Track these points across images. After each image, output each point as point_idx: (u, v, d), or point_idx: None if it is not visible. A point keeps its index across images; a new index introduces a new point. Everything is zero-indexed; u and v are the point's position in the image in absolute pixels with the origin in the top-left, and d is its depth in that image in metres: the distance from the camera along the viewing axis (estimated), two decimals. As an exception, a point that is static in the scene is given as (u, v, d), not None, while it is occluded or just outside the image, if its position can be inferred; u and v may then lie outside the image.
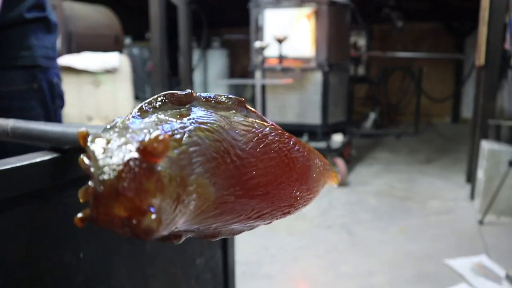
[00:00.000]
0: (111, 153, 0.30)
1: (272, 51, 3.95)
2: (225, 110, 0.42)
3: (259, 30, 4.17)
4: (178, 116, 0.37)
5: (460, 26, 7.31)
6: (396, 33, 6.98)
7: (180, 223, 0.34)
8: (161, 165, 0.30)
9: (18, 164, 0.48)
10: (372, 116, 6.56)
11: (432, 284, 2.19)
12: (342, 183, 3.82)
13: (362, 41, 6.13)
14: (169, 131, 0.34)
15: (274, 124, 0.45)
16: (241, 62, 7.70)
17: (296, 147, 0.44)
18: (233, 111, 0.42)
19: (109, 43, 4.84)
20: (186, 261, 0.83)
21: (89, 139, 0.32)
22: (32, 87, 1.00)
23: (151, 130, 0.32)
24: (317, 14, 3.94)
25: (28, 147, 0.58)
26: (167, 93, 0.39)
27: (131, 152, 0.30)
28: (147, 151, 0.29)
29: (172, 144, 0.33)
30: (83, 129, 0.32)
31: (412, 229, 2.90)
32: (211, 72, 7.57)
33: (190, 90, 0.40)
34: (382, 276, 2.27)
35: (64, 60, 3.89)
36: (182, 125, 0.35)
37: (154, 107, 0.38)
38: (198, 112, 0.38)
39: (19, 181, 0.49)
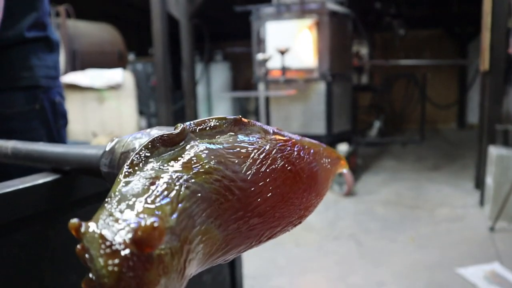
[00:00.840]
0: (105, 247, 0.28)
1: (274, 63, 3.96)
2: (222, 134, 0.39)
3: (261, 42, 4.19)
4: (172, 164, 0.35)
5: (461, 31, 7.32)
6: (398, 41, 6.99)
7: (190, 274, 0.33)
8: (160, 245, 0.29)
9: (20, 187, 0.48)
10: (377, 124, 6.54)
11: (445, 294, 2.15)
12: (349, 193, 3.79)
13: (364, 50, 6.14)
14: (163, 195, 0.32)
15: (277, 131, 0.43)
16: (244, 74, 7.74)
17: (301, 154, 0.43)
18: (231, 133, 0.40)
19: (112, 60, 4.89)
20: (192, 278, 0.81)
21: (82, 230, 0.30)
22: (34, 108, 0.99)
23: (142, 216, 0.30)
24: (318, 25, 3.95)
25: (30, 168, 0.58)
26: (157, 138, 0.36)
27: (126, 245, 0.28)
28: (142, 243, 0.28)
29: (169, 210, 0.31)
30: (74, 221, 0.30)
31: (422, 238, 2.86)
32: (214, 85, 7.61)
33: (181, 125, 0.37)
34: (392, 286, 2.23)
35: (69, 77, 3.93)
36: (177, 175, 0.33)
37: (145, 157, 0.35)
38: (192, 151, 0.36)
39: (21, 203, 0.49)
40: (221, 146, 0.38)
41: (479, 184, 3.57)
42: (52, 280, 0.53)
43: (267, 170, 0.39)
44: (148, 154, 0.36)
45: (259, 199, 0.37)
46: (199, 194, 0.33)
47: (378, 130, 6.51)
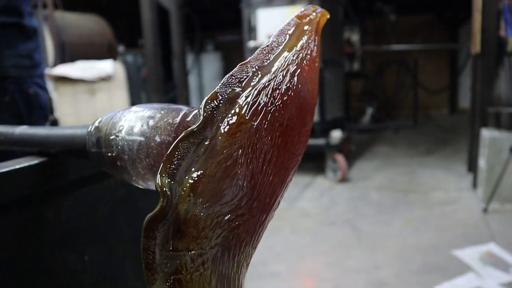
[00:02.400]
0: None
1: (266, 51, 3.93)
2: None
3: (252, 30, 4.16)
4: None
5: (453, 16, 7.33)
6: (390, 26, 6.98)
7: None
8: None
9: (5, 170, 0.47)
10: (370, 111, 6.56)
11: (440, 275, 2.18)
12: (343, 179, 3.81)
13: (355, 37, 6.13)
14: None
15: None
16: (236, 64, 7.65)
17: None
18: None
19: (102, 52, 4.83)
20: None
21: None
22: (3, 100, 0.92)
23: None
24: (309, 11, 3.93)
25: (14, 153, 0.55)
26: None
27: None
28: None
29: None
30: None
31: (416, 221, 2.88)
32: (206, 75, 7.56)
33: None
34: (389, 269, 2.26)
35: (59, 70, 3.87)
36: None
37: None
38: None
39: (12, 186, 0.47)
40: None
41: (472, 167, 3.61)
42: (52, 262, 0.53)
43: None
44: None
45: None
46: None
47: (370, 117, 6.53)
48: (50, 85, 3.77)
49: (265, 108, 0.34)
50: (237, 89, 0.33)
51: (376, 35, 7.39)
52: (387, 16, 6.66)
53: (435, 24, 7.59)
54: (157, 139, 0.37)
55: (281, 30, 0.38)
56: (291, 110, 0.36)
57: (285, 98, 0.35)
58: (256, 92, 0.33)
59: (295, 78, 0.37)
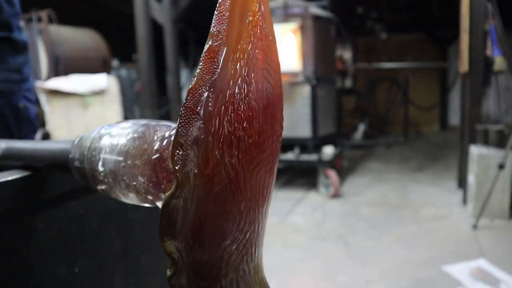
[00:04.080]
0: None
1: (259, 67, 3.98)
2: None
3: (246, 46, 4.21)
4: None
5: (442, 35, 7.48)
6: (381, 45, 7.11)
7: None
8: None
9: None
10: (362, 127, 6.62)
11: (431, 290, 2.18)
12: (336, 195, 3.82)
13: (348, 54, 6.23)
14: None
15: None
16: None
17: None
18: None
19: (96, 66, 4.85)
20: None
21: None
22: None
23: None
24: (302, 28, 4.00)
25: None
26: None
27: None
28: None
29: None
30: None
31: (407, 237, 2.90)
32: (200, 91, 7.59)
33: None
34: (379, 285, 2.26)
35: (52, 83, 3.88)
36: None
37: None
38: None
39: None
40: None
41: (462, 183, 3.64)
42: (41, 274, 0.53)
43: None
44: None
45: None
46: None
47: (363, 133, 6.58)
48: (42, 98, 3.78)
49: (232, 135, 0.31)
50: (198, 123, 0.30)
51: (367, 53, 7.51)
52: (379, 34, 6.79)
53: (425, 43, 7.74)
54: (137, 162, 0.37)
55: (219, 12, 0.31)
56: (259, 120, 0.34)
57: (250, 114, 0.33)
58: (217, 121, 0.31)
59: (253, 80, 0.33)
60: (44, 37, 4.36)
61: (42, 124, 3.76)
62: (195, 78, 0.31)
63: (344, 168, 4.64)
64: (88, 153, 0.41)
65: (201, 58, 0.31)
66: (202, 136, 0.30)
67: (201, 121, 0.30)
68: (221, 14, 0.31)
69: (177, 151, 0.30)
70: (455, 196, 3.68)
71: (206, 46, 0.31)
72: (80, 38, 4.97)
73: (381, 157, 5.68)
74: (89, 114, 4.07)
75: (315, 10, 4.10)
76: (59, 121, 3.91)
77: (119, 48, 7.03)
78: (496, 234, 2.85)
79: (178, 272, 0.32)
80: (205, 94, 0.30)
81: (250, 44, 0.33)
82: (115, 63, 6.41)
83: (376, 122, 7.37)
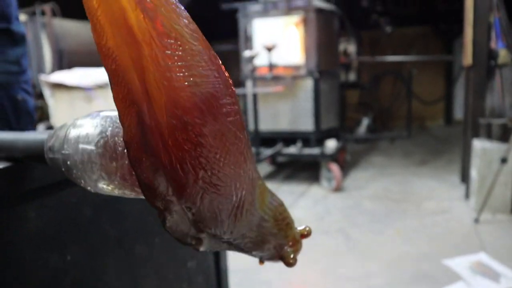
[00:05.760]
0: None
1: (262, 60, 3.98)
2: None
3: (248, 39, 4.20)
4: None
5: (448, 29, 7.41)
6: (385, 38, 7.06)
7: None
8: None
9: None
10: (366, 121, 6.60)
11: (430, 284, 2.19)
12: (338, 188, 3.82)
13: (351, 48, 6.19)
14: None
15: None
16: (232, 74, 7.65)
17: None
18: None
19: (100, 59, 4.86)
20: (177, 264, 0.83)
21: None
22: None
23: None
24: (305, 21, 3.98)
25: None
26: None
27: None
28: None
29: None
30: None
31: (409, 231, 2.90)
32: (203, 84, 7.60)
33: None
34: (380, 278, 2.27)
35: (55, 76, 3.90)
36: None
37: None
38: None
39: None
40: None
41: (465, 177, 3.63)
42: (33, 262, 0.54)
43: None
44: None
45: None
46: None
47: (366, 127, 6.56)
48: (46, 92, 3.80)
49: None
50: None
51: (372, 46, 7.46)
52: (383, 28, 6.74)
53: (430, 37, 7.67)
54: (108, 149, 0.36)
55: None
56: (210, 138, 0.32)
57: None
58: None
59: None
60: (47, 30, 4.38)
61: (46, 117, 3.78)
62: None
63: (347, 162, 4.64)
64: (62, 143, 0.40)
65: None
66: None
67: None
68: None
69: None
70: (458, 190, 3.68)
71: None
72: (84, 31, 4.97)
73: (384, 151, 5.66)
74: (93, 108, 4.09)
75: (318, 2, 4.08)
76: (63, 114, 3.93)
77: (123, 41, 7.03)
78: (497, 228, 2.85)
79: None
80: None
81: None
82: (119, 56, 6.41)
83: (380, 116, 7.34)
